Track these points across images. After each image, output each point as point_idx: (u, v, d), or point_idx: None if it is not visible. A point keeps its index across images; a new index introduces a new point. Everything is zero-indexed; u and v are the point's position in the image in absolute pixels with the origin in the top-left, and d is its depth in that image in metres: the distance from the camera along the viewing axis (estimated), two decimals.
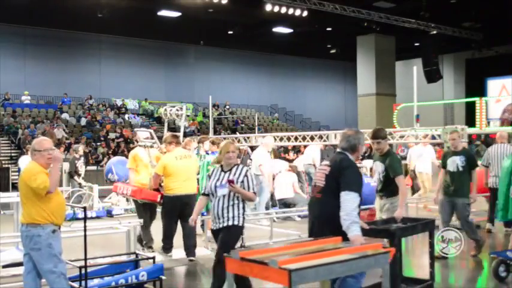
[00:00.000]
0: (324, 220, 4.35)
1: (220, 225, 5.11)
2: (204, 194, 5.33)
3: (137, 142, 9.23)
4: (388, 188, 6.04)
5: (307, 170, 12.52)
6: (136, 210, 8.18)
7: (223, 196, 5.07)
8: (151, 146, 8.36)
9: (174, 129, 18.41)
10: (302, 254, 3.70)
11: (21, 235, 4.69)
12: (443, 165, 7.37)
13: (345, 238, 4.17)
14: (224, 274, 3.88)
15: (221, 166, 5.24)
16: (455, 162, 7.20)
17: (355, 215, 4.18)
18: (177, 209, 7.29)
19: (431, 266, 5.43)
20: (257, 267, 3.50)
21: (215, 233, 5.23)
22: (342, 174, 4.32)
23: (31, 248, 4.57)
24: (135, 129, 8.90)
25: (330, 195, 4.31)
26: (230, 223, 5.08)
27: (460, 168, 7.17)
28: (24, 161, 10.06)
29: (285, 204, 11.27)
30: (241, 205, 5.13)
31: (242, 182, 5.09)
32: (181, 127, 11.93)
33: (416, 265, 7.15)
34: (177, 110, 11.56)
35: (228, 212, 5.08)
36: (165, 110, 11.63)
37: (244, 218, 5.19)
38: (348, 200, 4.17)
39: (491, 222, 9.22)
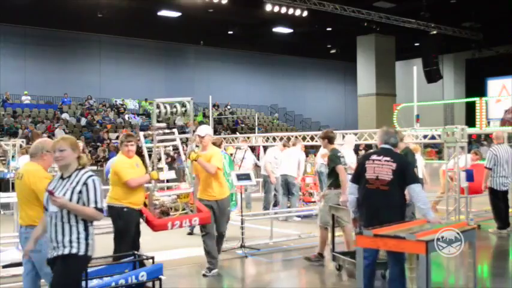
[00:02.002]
0: (394, 208, 4.91)
1: (54, 253, 3.76)
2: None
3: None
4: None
5: (319, 170, 12.38)
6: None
7: (55, 213, 3.76)
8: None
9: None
10: (416, 231, 4.34)
11: (19, 236, 4.68)
12: None
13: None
14: None
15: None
16: None
17: (428, 202, 4.97)
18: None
19: None
20: (392, 241, 4.25)
21: (51, 263, 3.85)
22: (407, 169, 4.94)
23: (30, 250, 4.56)
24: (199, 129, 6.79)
25: (396, 187, 4.89)
26: (66, 251, 3.73)
27: None
28: (22, 161, 9.98)
29: (286, 182, 11.10)
30: (81, 227, 3.77)
31: (80, 192, 3.77)
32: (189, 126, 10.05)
33: None
34: (174, 106, 7.80)
35: (63, 236, 3.74)
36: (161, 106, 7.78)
37: (88, 243, 3.81)
38: (421, 191, 4.85)
39: (504, 227, 8.71)
